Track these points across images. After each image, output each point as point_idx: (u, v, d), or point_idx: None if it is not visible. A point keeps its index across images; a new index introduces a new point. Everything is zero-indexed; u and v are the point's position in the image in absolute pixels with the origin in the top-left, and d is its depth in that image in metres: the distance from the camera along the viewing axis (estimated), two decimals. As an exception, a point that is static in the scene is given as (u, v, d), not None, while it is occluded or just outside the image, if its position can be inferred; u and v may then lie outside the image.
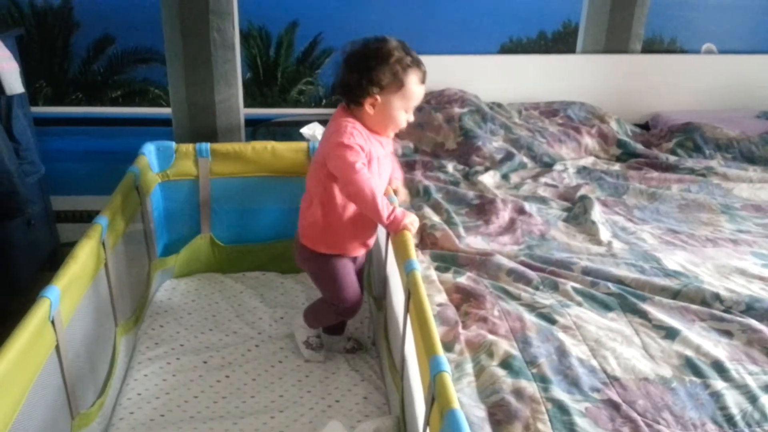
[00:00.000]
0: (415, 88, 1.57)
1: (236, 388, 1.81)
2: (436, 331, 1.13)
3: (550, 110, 2.81)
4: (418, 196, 2.24)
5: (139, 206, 1.91)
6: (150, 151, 2.03)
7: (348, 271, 1.76)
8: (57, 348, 1.27)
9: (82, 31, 2.60)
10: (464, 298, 1.67)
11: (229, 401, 1.76)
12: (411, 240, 1.49)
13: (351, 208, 1.66)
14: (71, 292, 1.34)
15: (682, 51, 2.98)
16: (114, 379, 1.67)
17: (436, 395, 1.00)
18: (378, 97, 1.55)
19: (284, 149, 2.11)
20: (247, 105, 2.80)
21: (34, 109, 2.64)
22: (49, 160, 2.68)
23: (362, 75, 1.53)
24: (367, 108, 1.56)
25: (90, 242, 1.47)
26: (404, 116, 1.61)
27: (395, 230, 1.56)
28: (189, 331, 2.02)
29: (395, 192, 1.80)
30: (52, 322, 1.24)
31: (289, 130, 2.81)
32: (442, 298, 1.66)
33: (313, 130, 2.52)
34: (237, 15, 2.65)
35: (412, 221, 1.58)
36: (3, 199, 2.24)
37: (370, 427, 1.53)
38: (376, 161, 1.61)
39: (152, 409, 1.71)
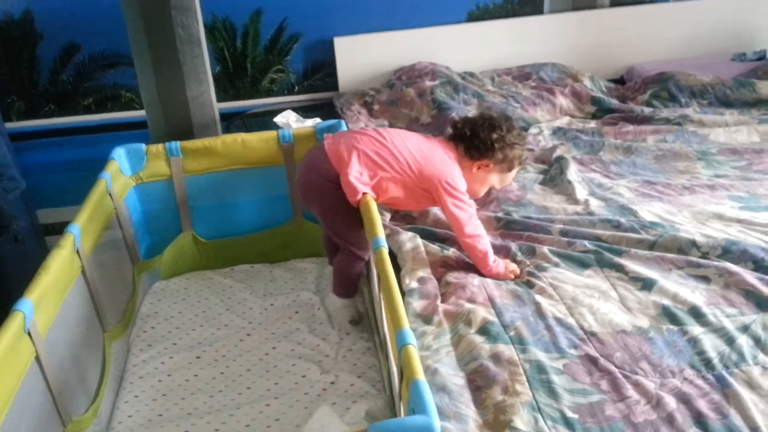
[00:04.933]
0: (512, 174, 1.82)
1: (232, 381, 1.83)
2: (402, 306, 1.14)
3: (523, 74, 2.80)
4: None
5: (113, 211, 1.92)
6: (120, 156, 2.03)
7: None
8: (37, 358, 1.29)
9: (47, 41, 2.59)
10: (448, 270, 1.68)
11: (225, 394, 1.78)
12: (377, 217, 1.49)
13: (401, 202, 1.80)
14: (46, 303, 1.36)
15: (652, 1, 2.96)
16: (107, 384, 1.69)
17: (402, 368, 1.01)
18: (490, 164, 1.73)
19: (254, 140, 2.11)
20: (220, 99, 2.80)
21: (9, 125, 2.65)
22: (30, 174, 2.69)
23: (493, 143, 1.70)
24: (475, 165, 1.73)
25: (62, 252, 1.48)
26: (484, 190, 1.81)
27: (494, 278, 1.65)
28: (180, 329, 2.03)
29: None
30: (29, 334, 1.26)
31: (264, 120, 2.81)
32: (425, 272, 1.67)
33: (287, 118, 2.52)
34: (199, 8, 2.63)
35: (513, 270, 1.65)
36: (-15, 218, 2.26)
37: (361, 408, 1.55)
38: None
39: (150, 410, 1.73)
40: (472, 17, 2.86)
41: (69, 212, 2.89)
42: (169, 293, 2.21)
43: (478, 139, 1.71)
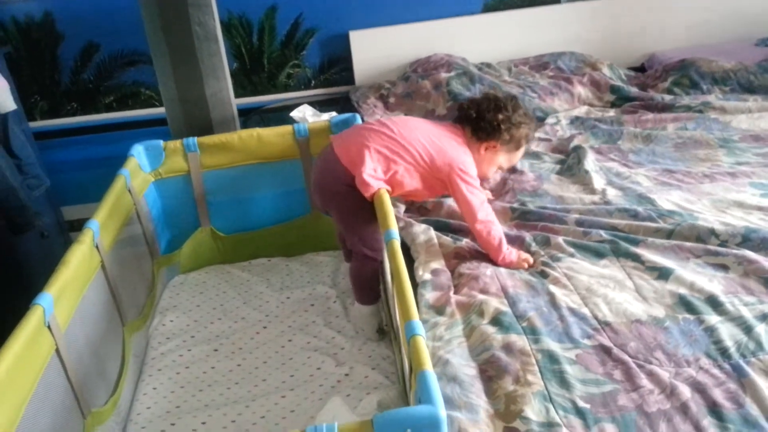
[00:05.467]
0: (519, 154, 1.84)
1: (248, 373, 1.85)
2: (412, 297, 1.14)
3: (540, 63, 2.77)
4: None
5: (132, 207, 1.95)
6: (139, 152, 2.06)
7: None
8: (57, 351, 1.32)
9: (67, 41, 2.64)
10: (461, 261, 1.68)
11: (242, 386, 1.80)
12: (391, 209, 1.49)
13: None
14: (66, 297, 1.38)
15: (674, -15, 2.91)
16: (127, 377, 1.72)
17: (411, 358, 1.02)
18: (498, 145, 1.74)
19: (270, 135, 2.12)
20: (237, 95, 2.80)
21: (32, 124, 2.70)
22: (54, 172, 2.74)
23: (500, 123, 1.71)
24: (483, 146, 1.74)
25: (81, 247, 1.51)
26: (494, 168, 1.81)
27: (507, 266, 1.64)
28: (198, 322, 2.06)
29: None
30: (49, 327, 1.29)
31: (282, 116, 2.82)
32: (438, 264, 1.67)
33: (303, 113, 2.53)
34: (215, 6, 2.65)
35: (526, 258, 1.64)
36: (12, 215, 2.31)
37: (374, 399, 1.55)
38: None
39: (168, 402, 1.76)
40: (488, 8, 2.84)
41: (93, 209, 2.93)
42: (188, 287, 2.24)
43: (484, 120, 1.72)
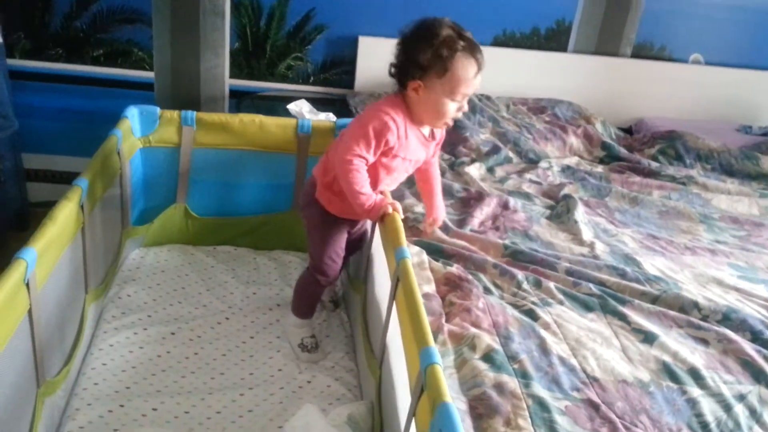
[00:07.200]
0: (463, 74, 1.39)
1: (205, 363, 1.77)
2: (427, 321, 1.11)
3: (538, 107, 2.81)
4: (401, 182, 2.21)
5: (118, 171, 1.84)
6: (133, 115, 1.96)
7: (341, 236, 1.71)
8: (29, 312, 1.22)
9: (67, -17, 2.50)
10: (451, 289, 1.66)
11: (198, 376, 1.72)
12: (401, 226, 1.46)
13: None
14: (47, 256, 1.29)
15: (671, 59, 3.01)
16: (80, 347, 1.62)
17: (426, 387, 0.98)
18: (421, 82, 1.42)
19: (272, 124, 2.05)
20: (232, 75, 2.73)
21: (10, 62, 2.54)
22: (23, 116, 2.58)
23: (407, 56, 1.43)
24: (411, 93, 1.45)
25: (69, 204, 1.41)
26: (451, 106, 1.43)
27: (374, 217, 1.52)
28: (157, 302, 1.96)
29: (426, 224, 1.74)
30: (27, 285, 1.19)
31: (274, 105, 2.75)
32: (429, 288, 1.65)
33: (300, 107, 2.48)
34: (230, -18, 2.58)
35: (392, 203, 1.51)
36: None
37: (344, 411, 1.51)
38: (402, 160, 1.52)
39: (118, 381, 1.66)
40: (498, 41, 2.86)
41: (55, 161, 2.80)
42: (149, 262, 2.14)
43: (394, 68, 1.48)
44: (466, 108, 1.48)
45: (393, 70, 1.48)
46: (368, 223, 1.79)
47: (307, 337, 1.80)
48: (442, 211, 1.75)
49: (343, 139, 1.51)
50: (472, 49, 1.41)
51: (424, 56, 1.39)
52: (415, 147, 1.53)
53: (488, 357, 1.39)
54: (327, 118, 2.38)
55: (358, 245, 1.85)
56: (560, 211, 2.16)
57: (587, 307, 1.64)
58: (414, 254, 1.76)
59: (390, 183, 1.61)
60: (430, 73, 1.40)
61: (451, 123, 1.50)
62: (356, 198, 1.48)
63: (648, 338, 1.54)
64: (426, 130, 1.56)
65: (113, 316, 1.87)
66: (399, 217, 1.50)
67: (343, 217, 1.67)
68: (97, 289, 1.79)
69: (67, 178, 2.79)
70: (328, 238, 1.68)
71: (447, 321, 1.52)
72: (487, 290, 1.66)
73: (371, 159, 1.48)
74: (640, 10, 2.90)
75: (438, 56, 1.38)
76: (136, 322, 1.86)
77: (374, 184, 1.53)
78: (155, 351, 1.77)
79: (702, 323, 1.62)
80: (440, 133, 1.62)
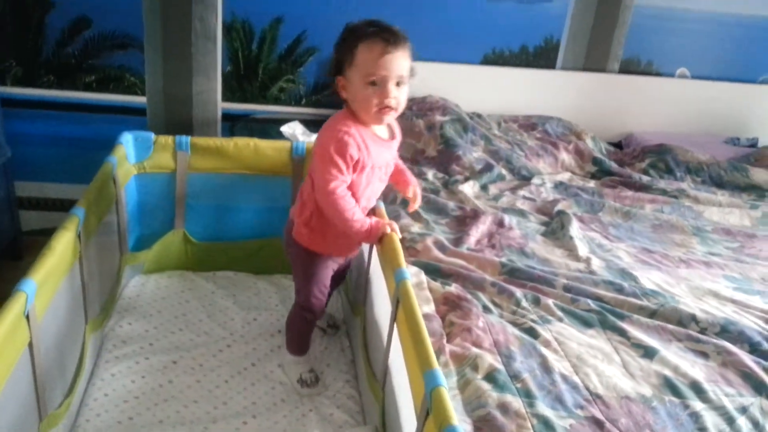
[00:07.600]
0: (367, 56, 1.38)
1: (207, 392, 1.76)
2: (430, 344, 1.11)
3: (529, 124, 2.83)
4: (396, 203, 2.22)
5: (114, 198, 1.84)
6: (128, 141, 1.96)
7: (326, 273, 1.73)
8: (30, 345, 1.21)
9: (58, 10, 2.50)
10: (450, 309, 1.66)
11: (200, 405, 1.71)
12: (399, 246, 1.46)
13: None
14: (47, 287, 1.28)
15: (658, 74, 3.04)
16: (82, 378, 1.60)
17: (431, 410, 0.98)
18: (342, 78, 1.45)
19: (267, 147, 2.06)
20: (225, 99, 2.74)
21: (2, 89, 2.54)
22: (16, 144, 2.57)
23: (333, 60, 1.47)
24: (342, 94, 1.47)
25: (67, 234, 1.41)
26: (371, 91, 1.41)
27: (373, 240, 1.54)
28: (158, 330, 1.95)
29: (409, 199, 1.74)
30: (27, 318, 1.18)
31: (267, 128, 2.76)
32: (429, 308, 1.65)
33: (293, 129, 2.48)
34: (221, 6, 2.59)
35: (389, 222, 1.54)
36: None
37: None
38: (371, 169, 1.53)
39: (120, 411, 1.65)
40: (487, 60, 2.88)
41: (48, 188, 2.79)
42: (150, 290, 2.13)
43: (329, 77, 1.52)
44: (394, 93, 1.43)
45: (330, 80, 1.51)
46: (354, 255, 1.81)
47: (306, 372, 1.79)
48: (414, 180, 1.75)
49: (315, 177, 1.52)
50: (380, 32, 1.41)
51: (339, 53, 1.44)
52: (377, 151, 1.53)
53: (491, 377, 1.39)
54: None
55: (342, 278, 1.85)
56: (555, 227, 2.17)
57: (586, 324, 1.64)
58: (413, 275, 1.76)
59: (370, 196, 1.62)
60: (345, 66, 1.43)
61: (388, 113, 1.45)
62: (350, 226, 1.50)
63: (648, 353, 1.55)
64: (382, 131, 1.56)
65: (114, 345, 1.86)
66: (397, 237, 1.51)
67: (328, 254, 1.68)
68: (97, 318, 1.78)
69: (60, 206, 2.78)
70: (312, 277, 1.69)
71: (448, 341, 1.52)
72: (486, 309, 1.66)
73: (349, 179, 1.49)
74: (626, 26, 2.94)
75: (347, 47, 1.42)
76: (138, 351, 1.85)
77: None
78: (157, 380, 1.76)
79: (701, 336, 1.63)
80: (398, 132, 1.63)
